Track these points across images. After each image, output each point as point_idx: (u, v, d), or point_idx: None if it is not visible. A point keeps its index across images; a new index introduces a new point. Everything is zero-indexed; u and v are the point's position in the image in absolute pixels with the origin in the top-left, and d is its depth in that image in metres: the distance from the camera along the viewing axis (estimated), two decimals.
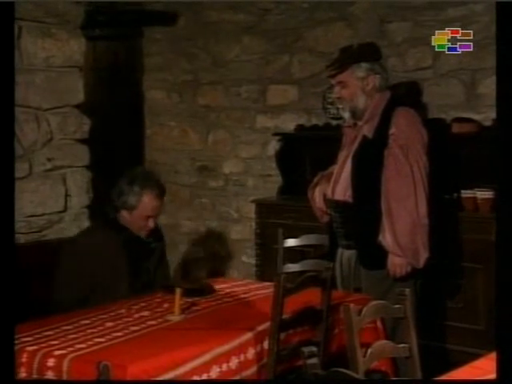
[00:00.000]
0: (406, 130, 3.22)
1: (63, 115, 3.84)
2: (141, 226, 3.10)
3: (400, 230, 3.14)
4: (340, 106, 3.45)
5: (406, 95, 4.34)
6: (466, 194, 4.02)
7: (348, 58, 3.32)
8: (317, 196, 3.47)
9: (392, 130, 3.22)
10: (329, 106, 4.74)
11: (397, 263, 3.17)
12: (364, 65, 3.30)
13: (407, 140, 3.20)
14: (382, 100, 3.31)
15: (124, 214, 3.10)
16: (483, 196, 3.90)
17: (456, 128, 4.18)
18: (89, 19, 4.02)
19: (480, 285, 3.84)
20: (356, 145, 3.33)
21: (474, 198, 3.98)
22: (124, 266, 3.06)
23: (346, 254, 3.36)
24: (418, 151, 3.21)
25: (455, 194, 4.07)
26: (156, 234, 3.24)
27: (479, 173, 3.91)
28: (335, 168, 3.43)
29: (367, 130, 3.30)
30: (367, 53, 3.35)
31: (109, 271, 3.01)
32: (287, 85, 5.02)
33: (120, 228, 3.10)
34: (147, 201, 3.07)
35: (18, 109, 3.60)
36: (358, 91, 3.30)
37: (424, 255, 3.19)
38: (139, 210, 3.07)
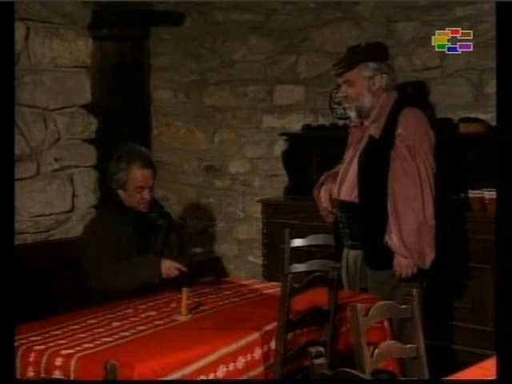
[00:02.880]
0: (413, 130, 3.21)
1: (70, 115, 3.85)
2: (138, 200, 3.17)
3: (406, 231, 3.14)
4: (346, 105, 3.45)
5: (414, 95, 4.34)
6: (473, 194, 4.01)
7: (355, 56, 3.31)
8: (322, 196, 3.47)
9: (399, 131, 3.21)
10: (336, 106, 4.73)
11: (403, 264, 3.17)
12: (371, 64, 3.29)
13: (414, 141, 3.19)
14: (389, 100, 3.30)
15: (120, 193, 3.18)
16: (491, 196, 3.89)
17: (463, 128, 4.16)
18: (96, 19, 4.02)
19: (488, 285, 3.82)
20: (362, 145, 3.32)
21: (482, 198, 3.97)
22: (133, 244, 3.12)
23: (351, 255, 3.35)
24: (425, 152, 3.20)
25: (462, 194, 4.06)
26: (160, 211, 3.30)
27: (487, 173, 3.89)
28: (341, 168, 3.42)
29: (374, 130, 3.29)
30: (374, 52, 3.34)
31: (120, 252, 3.07)
32: (294, 85, 5.01)
33: (125, 209, 3.17)
34: (136, 172, 3.15)
35: (25, 109, 3.62)
36: (364, 90, 3.29)
37: (430, 256, 3.18)
38: (130, 183, 3.15)
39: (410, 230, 3.14)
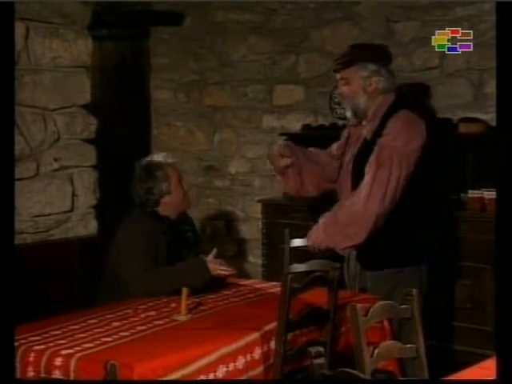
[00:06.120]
0: (396, 135, 3.14)
1: (70, 115, 3.85)
2: (183, 196, 3.26)
3: (340, 216, 3.14)
4: (343, 104, 3.44)
5: (412, 97, 4.33)
6: (473, 194, 4.02)
7: (355, 55, 3.30)
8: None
9: (383, 133, 3.20)
10: (335, 106, 4.74)
11: (313, 236, 3.21)
12: (370, 65, 3.27)
13: (394, 142, 3.15)
14: (384, 102, 3.28)
15: (166, 199, 3.21)
16: (490, 196, 3.89)
17: (463, 128, 4.17)
18: (96, 19, 4.03)
19: (488, 285, 3.83)
20: (357, 145, 3.33)
21: (482, 198, 3.97)
22: (166, 253, 3.15)
23: (351, 254, 3.35)
24: (403, 155, 3.12)
25: (462, 194, 4.06)
26: (191, 224, 3.40)
27: (486, 173, 3.90)
28: (343, 166, 3.42)
29: (367, 131, 3.28)
30: (375, 54, 3.32)
31: (157, 259, 3.10)
32: (294, 85, 5.02)
33: (161, 217, 3.21)
34: (171, 173, 3.23)
35: (25, 109, 3.63)
36: (359, 90, 3.27)
37: (347, 244, 3.16)
38: (173, 183, 3.22)
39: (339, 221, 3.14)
